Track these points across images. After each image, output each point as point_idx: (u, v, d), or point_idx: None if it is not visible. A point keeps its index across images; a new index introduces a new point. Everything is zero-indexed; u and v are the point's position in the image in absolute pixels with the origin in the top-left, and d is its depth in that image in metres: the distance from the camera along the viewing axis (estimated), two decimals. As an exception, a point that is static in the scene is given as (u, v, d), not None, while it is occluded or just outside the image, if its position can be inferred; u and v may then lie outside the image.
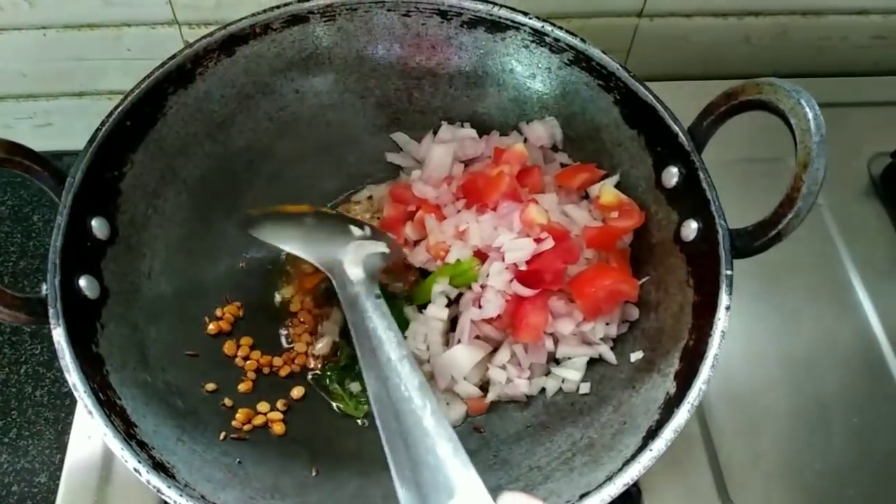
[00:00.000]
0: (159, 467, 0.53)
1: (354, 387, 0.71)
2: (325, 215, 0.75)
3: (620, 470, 0.54)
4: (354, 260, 0.62)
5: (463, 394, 0.69)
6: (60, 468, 0.71)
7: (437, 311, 0.71)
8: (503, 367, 0.69)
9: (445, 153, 0.77)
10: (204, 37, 0.70)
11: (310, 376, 0.72)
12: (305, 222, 0.70)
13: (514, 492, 0.34)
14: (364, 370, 0.52)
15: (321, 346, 0.73)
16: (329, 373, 0.72)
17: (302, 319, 0.75)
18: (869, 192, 0.93)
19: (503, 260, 0.69)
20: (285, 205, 0.73)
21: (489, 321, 0.69)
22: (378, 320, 0.54)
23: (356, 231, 0.68)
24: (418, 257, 0.76)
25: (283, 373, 0.72)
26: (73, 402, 0.78)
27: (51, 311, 0.55)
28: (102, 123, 0.64)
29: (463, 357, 0.68)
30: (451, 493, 0.36)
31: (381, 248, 0.67)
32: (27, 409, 0.82)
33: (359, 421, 0.70)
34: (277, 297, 0.77)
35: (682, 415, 0.55)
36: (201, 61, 0.70)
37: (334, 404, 0.71)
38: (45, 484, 0.77)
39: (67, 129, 1.00)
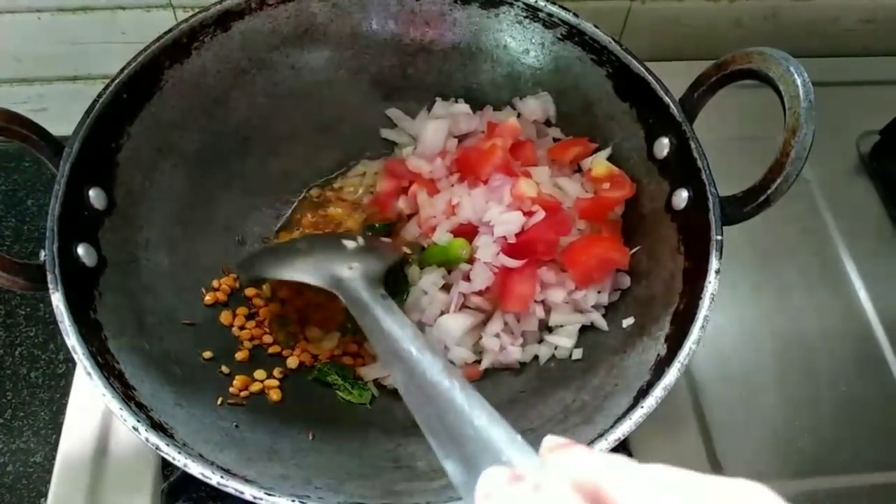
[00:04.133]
0: (158, 427, 0.53)
1: (368, 372, 0.71)
2: (315, 238, 0.77)
3: (612, 427, 0.54)
4: (354, 271, 0.64)
5: (457, 360, 0.70)
6: (56, 448, 0.72)
7: (430, 289, 0.72)
8: (496, 336, 0.70)
9: (439, 128, 0.78)
10: (199, 11, 0.70)
11: (310, 377, 0.71)
12: (298, 248, 0.73)
13: (553, 435, 0.35)
14: (388, 367, 0.55)
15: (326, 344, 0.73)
16: (326, 368, 0.71)
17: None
18: (858, 169, 0.95)
19: (492, 234, 0.70)
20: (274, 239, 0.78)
21: (479, 293, 0.70)
22: (391, 321, 0.55)
23: (349, 244, 0.70)
24: (410, 231, 0.76)
25: (272, 350, 0.72)
26: (69, 383, 0.78)
27: (49, 277, 0.56)
28: (99, 95, 0.65)
29: (452, 325, 0.69)
30: (496, 455, 0.37)
31: (377, 255, 0.69)
32: (22, 391, 0.82)
33: (367, 406, 0.70)
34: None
35: (672, 373, 0.56)
36: (197, 36, 0.71)
37: (338, 394, 0.70)
38: (40, 464, 0.77)
39: (62, 114, 0.99)
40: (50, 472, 0.71)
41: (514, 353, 0.69)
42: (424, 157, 0.78)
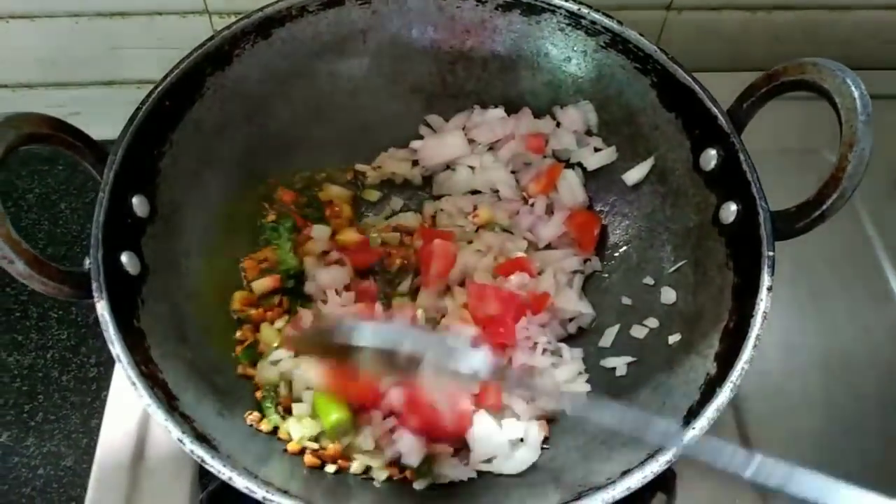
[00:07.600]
0: (202, 438, 0.53)
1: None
2: None
3: (662, 448, 0.53)
4: None
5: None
6: (87, 452, 0.72)
7: None
8: None
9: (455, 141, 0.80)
10: (241, 18, 0.70)
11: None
12: None
13: None
14: None
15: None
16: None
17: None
18: (902, 184, 0.93)
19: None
20: None
21: None
22: None
23: None
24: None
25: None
26: (100, 387, 0.78)
27: (94, 285, 0.56)
28: (143, 103, 0.65)
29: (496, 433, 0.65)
30: None
31: None
32: (53, 394, 0.81)
33: None
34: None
35: (724, 394, 0.54)
36: (238, 43, 0.71)
37: None
38: (71, 468, 0.77)
39: (96, 118, 0.99)
40: (81, 476, 0.70)
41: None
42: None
